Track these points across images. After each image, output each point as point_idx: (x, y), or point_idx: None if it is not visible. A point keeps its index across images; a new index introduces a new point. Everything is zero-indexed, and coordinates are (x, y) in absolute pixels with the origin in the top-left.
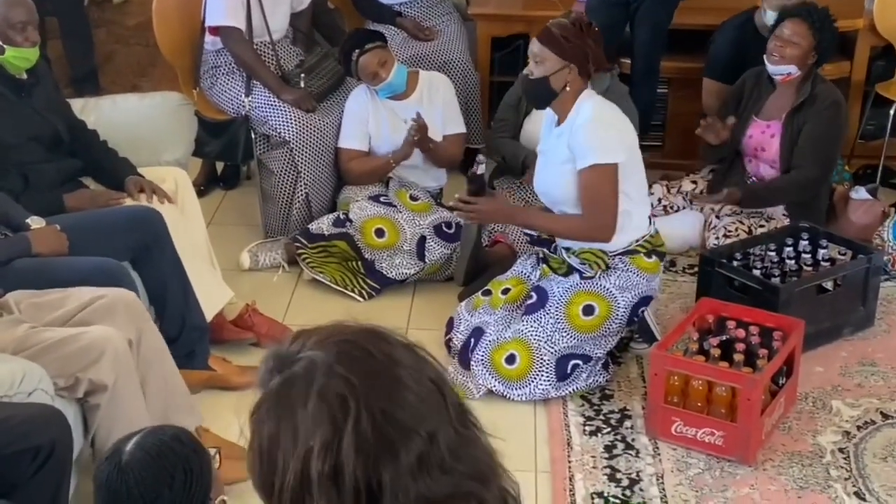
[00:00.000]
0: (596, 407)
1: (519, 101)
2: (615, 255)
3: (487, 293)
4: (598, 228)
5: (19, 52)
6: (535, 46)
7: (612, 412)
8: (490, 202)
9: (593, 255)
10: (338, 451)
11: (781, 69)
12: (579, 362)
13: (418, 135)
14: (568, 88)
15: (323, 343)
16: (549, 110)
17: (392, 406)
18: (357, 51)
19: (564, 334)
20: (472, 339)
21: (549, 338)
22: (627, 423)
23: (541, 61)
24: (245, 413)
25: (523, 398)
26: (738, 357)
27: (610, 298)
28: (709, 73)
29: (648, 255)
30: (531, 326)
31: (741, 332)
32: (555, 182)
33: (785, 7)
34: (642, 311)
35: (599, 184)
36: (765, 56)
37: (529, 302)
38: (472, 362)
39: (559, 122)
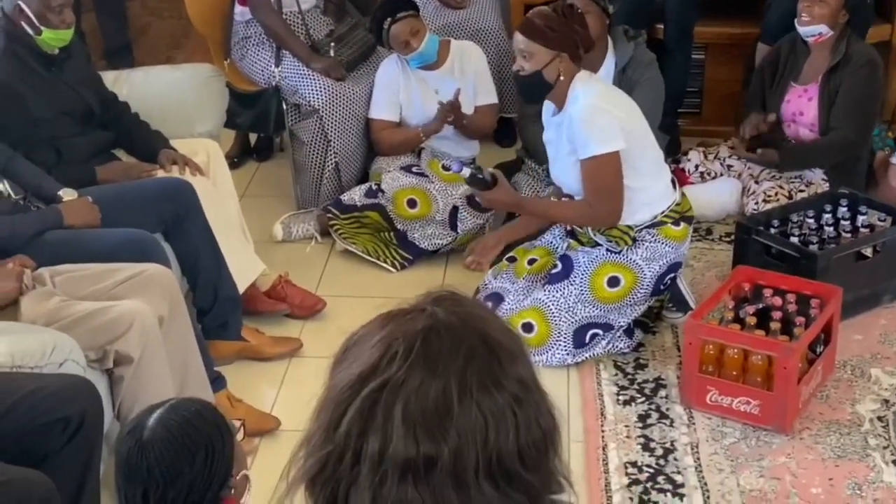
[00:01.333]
0: (630, 376)
1: None
2: (642, 229)
3: (512, 259)
4: (606, 216)
5: (55, 33)
6: (520, 42)
7: (646, 381)
8: (497, 192)
9: (619, 232)
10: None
11: (812, 29)
12: (599, 331)
13: (451, 115)
14: (562, 78)
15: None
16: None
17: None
18: (389, 19)
19: (587, 305)
20: (490, 304)
21: (571, 308)
22: (662, 393)
23: (529, 56)
24: (278, 383)
25: (539, 364)
26: (774, 325)
27: (636, 270)
28: (764, 38)
29: (676, 223)
30: (552, 296)
31: (778, 300)
32: (566, 172)
33: None
34: (670, 279)
35: (602, 173)
36: (795, 20)
37: (554, 271)
38: None
39: (558, 111)
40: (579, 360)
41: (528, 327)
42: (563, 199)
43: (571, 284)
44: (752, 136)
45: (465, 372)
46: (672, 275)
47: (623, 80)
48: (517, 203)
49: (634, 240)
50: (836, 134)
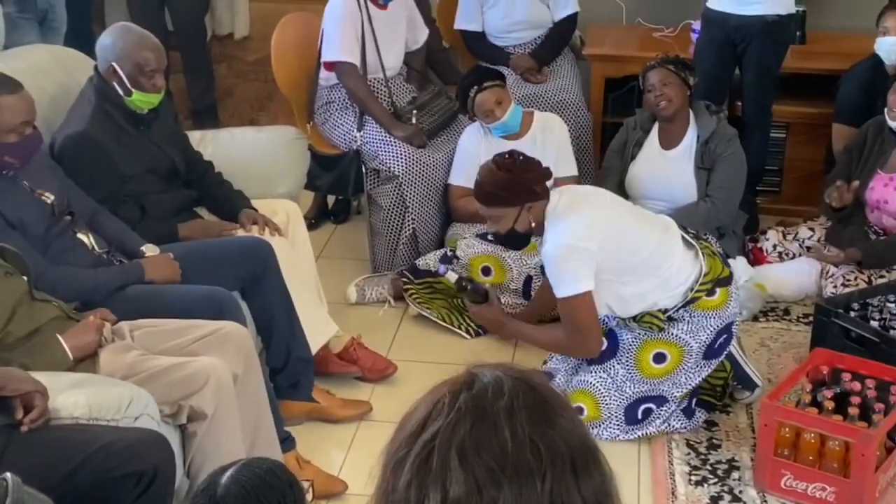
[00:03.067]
0: (703, 456)
1: (623, 147)
2: (676, 310)
3: None
4: (581, 351)
5: (145, 96)
6: (483, 210)
7: (719, 462)
8: (484, 308)
9: (651, 317)
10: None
11: None
12: (652, 406)
13: None
14: (534, 224)
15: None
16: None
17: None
18: (475, 87)
19: (636, 383)
20: None
21: (619, 387)
22: (735, 475)
23: (497, 219)
24: (347, 445)
25: None
26: (852, 410)
27: (682, 344)
28: (838, 118)
29: (711, 293)
30: (600, 377)
31: (857, 385)
32: None
33: None
34: (724, 340)
35: (575, 312)
36: (885, 110)
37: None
38: None
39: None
40: (632, 437)
41: (577, 411)
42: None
43: (618, 363)
44: (838, 208)
45: (512, 409)
46: (725, 336)
47: (706, 152)
48: (500, 323)
49: (671, 318)
50: None
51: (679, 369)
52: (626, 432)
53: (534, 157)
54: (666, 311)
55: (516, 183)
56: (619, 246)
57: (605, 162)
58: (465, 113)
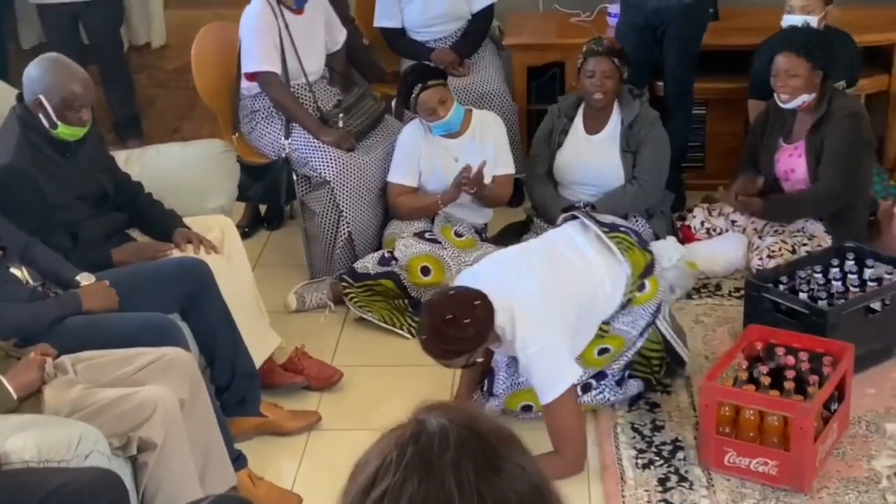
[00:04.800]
0: (648, 439)
1: (550, 134)
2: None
3: None
4: (573, 459)
5: (70, 129)
6: (450, 364)
7: (664, 443)
8: None
9: (600, 330)
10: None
11: (796, 103)
12: (592, 381)
13: (474, 188)
14: (492, 349)
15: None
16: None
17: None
18: (419, 85)
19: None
20: (486, 380)
21: None
22: (680, 455)
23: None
24: (298, 457)
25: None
26: (788, 385)
27: (623, 334)
28: (752, 93)
29: (640, 288)
30: None
31: (791, 359)
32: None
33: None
34: (655, 317)
35: (562, 414)
36: (775, 96)
37: None
38: (489, 403)
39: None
40: None
41: (527, 408)
42: None
43: None
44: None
45: (458, 461)
46: (657, 313)
47: (630, 136)
48: None
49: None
50: (819, 184)
51: (622, 354)
52: None
53: (465, 292)
54: (606, 321)
55: (466, 336)
56: (575, 314)
57: (532, 150)
58: (407, 108)
